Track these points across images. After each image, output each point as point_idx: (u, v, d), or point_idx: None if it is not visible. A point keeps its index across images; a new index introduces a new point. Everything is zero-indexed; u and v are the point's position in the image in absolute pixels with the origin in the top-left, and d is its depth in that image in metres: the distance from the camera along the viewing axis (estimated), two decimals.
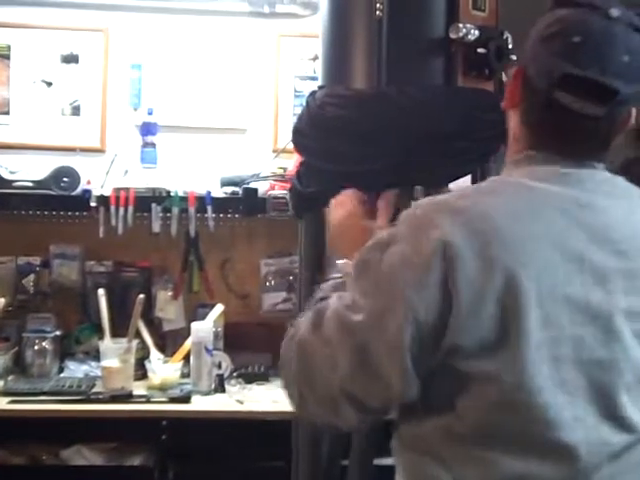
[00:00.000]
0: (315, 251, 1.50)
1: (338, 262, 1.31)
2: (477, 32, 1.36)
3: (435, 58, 1.39)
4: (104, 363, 2.54)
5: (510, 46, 1.43)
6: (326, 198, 1.44)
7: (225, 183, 2.82)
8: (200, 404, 2.49)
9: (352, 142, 1.40)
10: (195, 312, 2.87)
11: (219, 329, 2.79)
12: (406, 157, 1.37)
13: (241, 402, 2.50)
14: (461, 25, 1.35)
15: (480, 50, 1.38)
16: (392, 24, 1.37)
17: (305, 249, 1.53)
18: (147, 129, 2.85)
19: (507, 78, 1.46)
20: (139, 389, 2.54)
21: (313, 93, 1.49)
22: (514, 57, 1.43)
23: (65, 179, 2.70)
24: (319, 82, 1.50)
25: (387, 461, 2.30)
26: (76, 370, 2.70)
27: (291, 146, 2.55)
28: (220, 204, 2.79)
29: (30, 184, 2.70)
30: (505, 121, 1.24)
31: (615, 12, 1.07)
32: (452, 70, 1.39)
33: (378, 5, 1.36)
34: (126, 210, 2.69)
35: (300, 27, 2.97)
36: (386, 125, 1.36)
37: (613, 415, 1.07)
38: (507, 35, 1.43)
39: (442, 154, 1.37)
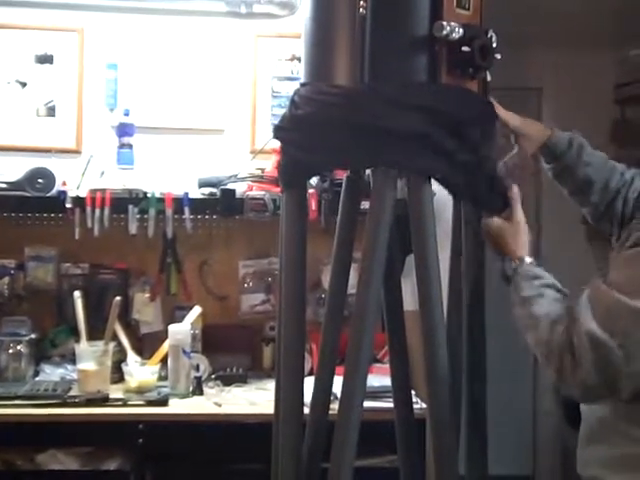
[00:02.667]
0: (298, 227, 1.49)
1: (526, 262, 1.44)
2: (461, 30, 1.36)
3: (419, 56, 1.38)
4: (80, 366, 2.51)
5: (495, 45, 1.43)
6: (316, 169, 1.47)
7: (202, 184, 2.80)
8: (178, 407, 2.47)
9: (329, 136, 1.40)
10: (173, 314, 2.85)
11: (197, 331, 2.77)
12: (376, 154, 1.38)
13: (219, 405, 2.48)
14: (445, 23, 1.34)
15: (464, 49, 1.37)
16: (376, 22, 1.36)
17: (287, 227, 1.52)
18: (123, 130, 2.83)
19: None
20: (116, 392, 2.51)
21: (296, 91, 1.48)
22: (498, 56, 1.43)
23: (40, 180, 2.67)
24: (301, 80, 1.49)
25: (364, 463, 2.33)
26: (52, 373, 2.66)
27: (269, 147, 2.58)
28: (198, 205, 2.77)
29: (4, 185, 2.66)
30: (488, 119, 1.25)
31: None
32: (436, 69, 1.38)
33: (362, 2, 1.35)
34: (102, 212, 2.66)
35: (277, 27, 2.96)
36: (363, 120, 1.36)
37: None
38: (491, 34, 1.42)
39: (417, 151, 1.36)
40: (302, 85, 1.47)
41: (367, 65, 1.37)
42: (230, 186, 2.76)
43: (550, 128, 1.67)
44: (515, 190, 1.49)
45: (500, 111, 1.56)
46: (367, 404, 2.29)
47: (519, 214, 1.48)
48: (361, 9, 1.36)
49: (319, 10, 1.44)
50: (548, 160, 1.67)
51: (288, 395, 1.49)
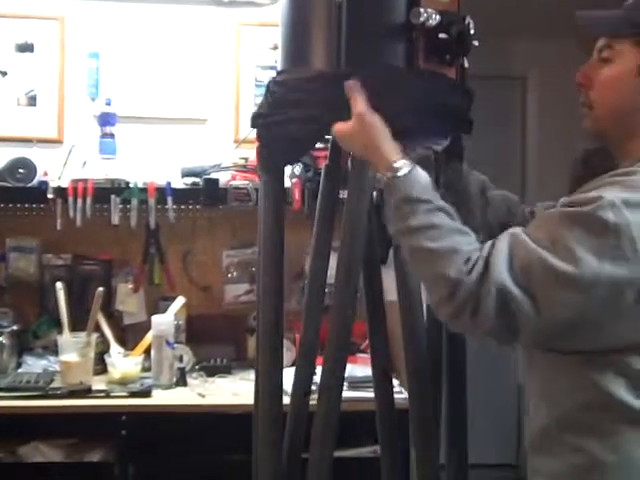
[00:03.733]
0: (275, 215, 1.48)
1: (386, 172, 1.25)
2: (438, 17, 1.35)
3: (396, 43, 1.37)
4: (63, 358, 2.49)
5: (472, 31, 1.42)
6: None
7: (185, 174, 2.78)
8: (161, 398, 2.46)
9: (306, 121, 1.39)
10: (156, 305, 2.84)
11: (180, 322, 2.76)
12: None
13: (203, 395, 2.48)
14: (422, 10, 1.34)
15: (441, 35, 1.36)
16: (352, 7, 1.35)
17: (264, 213, 1.50)
18: (105, 119, 2.81)
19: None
20: (99, 384, 2.50)
21: (273, 78, 1.47)
22: (476, 42, 1.42)
23: (21, 170, 2.65)
24: (278, 67, 1.48)
25: (346, 453, 2.33)
26: (34, 365, 2.65)
27: (252, 136, 2.56)
28: (180, 195, 2.76)
29: None
30: (465, 106, 1.24)
31: None
32: (413, 55, 1.37)
33: None
34: (84, 202, 2.65)
35: (260, 16, 2.93)
36: (339, 104, 1.35)
37: None
38: (469, 20, 1.41)
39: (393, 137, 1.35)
40: (279, 73, 1.46)
41: (344, 51, 1.36)
42: (213, 176, 2.74)
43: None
44: (352, 82, 1.32)
45: None
46: (350, 394, 2.33)
47: (359, 106, 1.30)
48: None
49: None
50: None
51: (266, 384, 1.48)
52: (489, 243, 1.18)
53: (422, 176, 1.25)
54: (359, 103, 1.30)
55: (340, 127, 1.33)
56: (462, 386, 1.49)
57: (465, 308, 1.14)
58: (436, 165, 1.49)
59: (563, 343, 1.18)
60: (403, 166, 1.24)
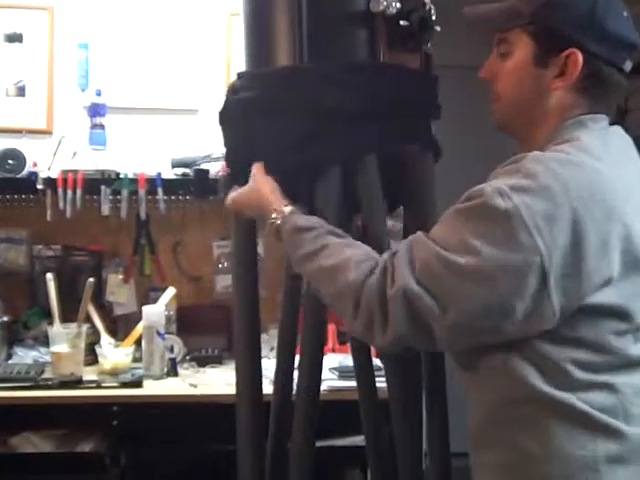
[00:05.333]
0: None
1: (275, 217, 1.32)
2: (398, 4, 1.35)
3: (358, 33, 1.37)
4: (53, 348, 2.49)
5: (434, 17, 1.42)
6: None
7: (176, 164, 2.78)
8: (152, 389, 2.46)
9: (263, 119, 1.39)
10: (147, 295, 2.84)
11: (171, 312, 2.76)
12: (314, 134, 1.36)
13: (194, 386, 2.48)
14: None
15: (403, 23, 1.36)
16: (312, 1, 1.35)
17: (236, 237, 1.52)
18: (95, 110, 2.80)
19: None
20: (89, 374, 2.50)
21: (238, 75, 1.48)
22: (438, 28, 1.42)
23: (10, 161, 2.65)
24: (242, 68, 1.49)
25: (337, 442, 2.34)
26: (25, 356, 2.65)
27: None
28: (171, 186, 2.76)
29: None
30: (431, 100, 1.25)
31: None
32: (376, 44, 1.38)
33: None
34: (74, 193, 2.64)
35: None
36: (297, 102, 1.36)
37: None
38: (430, 6, 1.41)
39: (354, 132, 1.36)
40: (240, 75, 1.47)
41: (305, 45, 1.36)
42: (204, 166, 2.74)
43: None
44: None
45: None
46: (340, 384, 2.34)
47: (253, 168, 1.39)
48: None
49: None
50: None
51: (244, 376, 1.49)
52: (388, 251, 1.21)
53: (304, 212, 1.33)
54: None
55: (232, 195, 1.42)
56: (441, 369, 1.49)
57: (373, 316, 1.15)
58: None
59: (478, 339, 1.17)
60: (288, 207, 1.33)
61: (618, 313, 1.16)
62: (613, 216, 1.13)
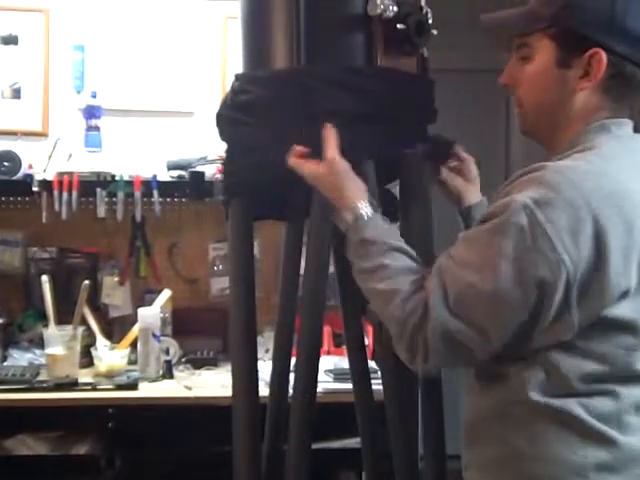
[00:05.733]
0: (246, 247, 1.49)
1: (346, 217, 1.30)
2: (395, 8, 1.36)
3: (355, 36, 1.38)
4: (49, 351, 2.49)
5: (430, 21, 1.43)
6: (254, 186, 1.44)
7: (171, 167, 2.78)
8: (147, 391, 2.46)
9: (262, 122, 1.39)
10: (142, 298, 2.84)
11: (167, 314, 2.76)
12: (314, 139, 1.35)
13: (189, 388, 2.48)
14: (379, 1, 1.34)
15: (399, 26, 1.37)
16: (310, 2, 1.36)
17: (234, 246, 1.51)
18: (91, 112, 2.80)
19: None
20: (85, 377, 2.50)
21: (236, 77, 1.48)
22: (435, 32, 1.43)
23: (6, 163, 2.65)
24: (241, 69, 1.49)
25: (332, 445, 2.35)
26: (20, 358, 2.64)
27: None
28: (166, 188, 2.76)
29: None
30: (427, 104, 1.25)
31: None
32: (373, 47, 1.38)
33: None
34: (70, 195, 2.64)
35: None
36: (295, 104, 1.36)
37: None
38: (427, 9, 1.42)
39: (351, 135, 1.36)
40: (237, 77, 1.47)
41: (303, 47, 1.36)
42: (199, 169, 2.74)
43: (483, 198, 1.60)
44: (328, 127, 1.34)
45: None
46: (335, 386, 2.34)
47: (330, 152, 1.32)
48: None
49: None
50: (466, 222, 1.59)
51: (241, 378, 1.49)
52: (420, 291, 1.20)
53: (379, 219, 1.30)
54: (330, 149, 1.33)
55: (310, 167, 1.35)
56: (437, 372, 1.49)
57: (416, 352, 1.18)
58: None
59: (507, 351, 1.17)
60: (363, 210, 1.29)
61: (630, 328, 1.16)
62: (634, 229, 1.13)
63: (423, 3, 1.43)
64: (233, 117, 1.44)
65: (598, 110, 1.24)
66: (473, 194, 1.55)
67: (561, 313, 1.12)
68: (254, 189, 1.46)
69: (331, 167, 1.33)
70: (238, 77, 1.47)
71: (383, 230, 1.29)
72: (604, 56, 1.20)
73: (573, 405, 1.15)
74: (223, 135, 1.49)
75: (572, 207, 1.10)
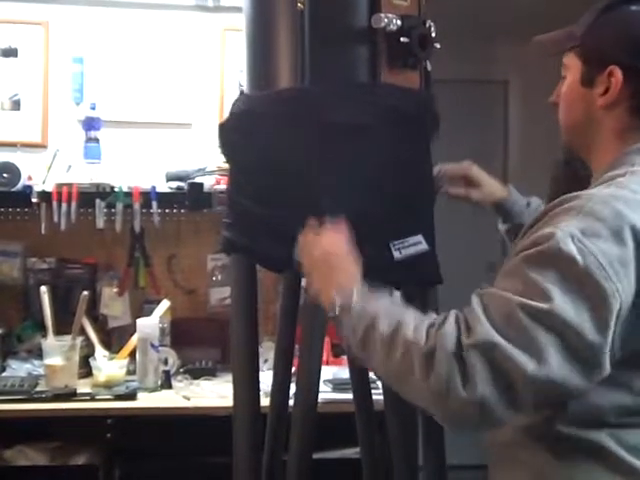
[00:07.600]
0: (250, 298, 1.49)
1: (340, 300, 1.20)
2: (399, 22, 1.38)
3: (359, 50, 1.40)
4: (47, 361, 2.49)
5: (433, 34, 1.45)
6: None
7: (170, 178, 2.80)
8: (146, 401, 2.47)
9: (264, 137, 1.40)
10: (141, 308, 2.84)
11: (165, 325, 2.77)
12: (318, 156, 1.37)
13: (188, 398, 2.48)
14: (383, 15, 1.36)
15: (403, 39, 1.39)
16: (314, 16, 1.37)
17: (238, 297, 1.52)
18: (90, 124, 2.81)
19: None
20: (84, 387, 2.50)
21: (238, 97, 1.49)
22: (438, 45, 1.45)
23: (5, 175, 2.66)
24: (245, 80, 1.51)
25: (331, 455, 2.35)
26: (18, 369, 2.64)
27: None
28: (165, 199, 2.77)
29: None
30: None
31: None
32: (377, 61, 1.40)
33: None
34: (69, 206, 2.65)
35: None
36: (299, 118, 1.37)
37: None
38: (430, 23, 1.44)
39: (357, 151, 1.38)
40: (242, 93, 1.49)
41: (308, 64, 1.38)
42: (198, 180, 2.75)
43: (507, 188, 1.61)
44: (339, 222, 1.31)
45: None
46: (334, 396, 2.35)
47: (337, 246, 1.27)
48: (299, 4, 1.37)
49: (257, 9, 1.45)
50: (505, 219, 1.59)
51: (242, 388, 1.50)
52: (450, 313, 1.13)
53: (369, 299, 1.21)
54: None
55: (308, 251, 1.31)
56: None
57: (451, 378, 1.06)
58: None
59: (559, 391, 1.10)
60: (355, 295, 1.20)
61: None
62: None
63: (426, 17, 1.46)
64: (236, 131, 1.45)
65: (632, 130, 1.23)
66: (495, 189, 1.57)
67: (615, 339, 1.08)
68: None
69: (327, 260, 1.27)
70: (242, 94, 1.48)
71: (366, 311, 1.18)
72: (619, 72, 1.21)
73: (604, 437, 1.14)
74: (225, 149, 1.50)
75: (619, 238, 1.08)
